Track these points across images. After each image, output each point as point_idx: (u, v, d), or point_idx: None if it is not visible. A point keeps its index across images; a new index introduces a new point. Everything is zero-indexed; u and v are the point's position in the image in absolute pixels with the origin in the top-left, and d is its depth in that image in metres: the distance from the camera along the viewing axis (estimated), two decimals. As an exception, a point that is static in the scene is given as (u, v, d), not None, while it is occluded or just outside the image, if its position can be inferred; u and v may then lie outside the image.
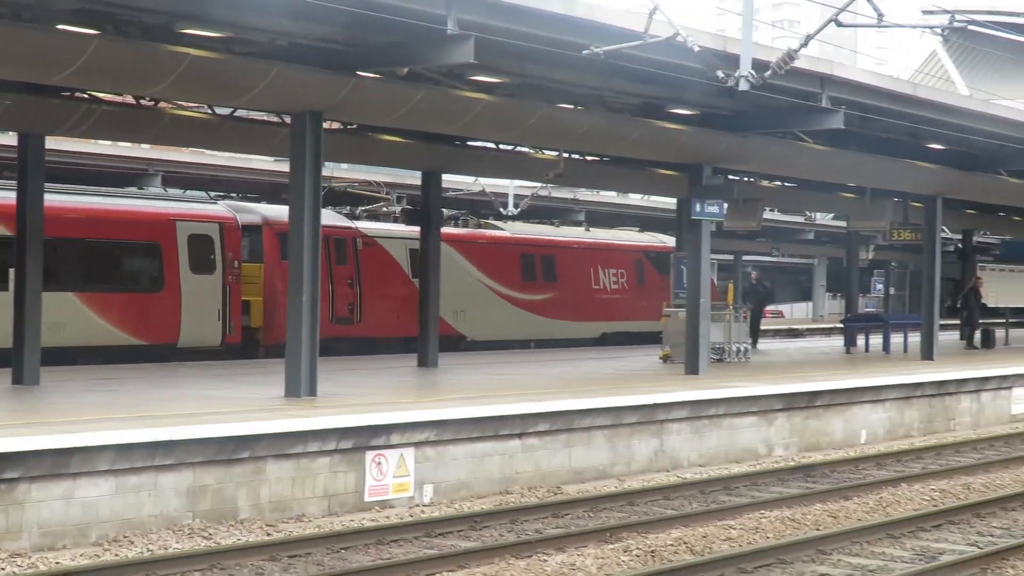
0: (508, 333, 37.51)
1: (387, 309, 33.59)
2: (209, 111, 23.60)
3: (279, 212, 31.79)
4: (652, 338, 37.86)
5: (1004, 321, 42.89)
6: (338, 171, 41.51)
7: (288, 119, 21.55)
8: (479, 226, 39.28)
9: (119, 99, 22.75)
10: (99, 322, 28.10)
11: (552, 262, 39.76)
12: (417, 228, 32.91)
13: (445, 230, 34.26)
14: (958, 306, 41.84)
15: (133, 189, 33.21)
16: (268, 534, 15.64)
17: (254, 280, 31.62)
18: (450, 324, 35.54)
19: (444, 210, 36.04)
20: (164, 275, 29.53)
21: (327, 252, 32.19)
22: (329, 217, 32.58)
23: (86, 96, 21.58)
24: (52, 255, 25.57)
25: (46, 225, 22.77)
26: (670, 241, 42.35)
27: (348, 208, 36.17)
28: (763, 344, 39.64)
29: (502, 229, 39.72)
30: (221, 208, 31.74)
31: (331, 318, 32.08)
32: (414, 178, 35.23)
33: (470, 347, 36.02)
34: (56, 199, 26.67)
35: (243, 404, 18.83)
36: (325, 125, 21.09)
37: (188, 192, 36.30)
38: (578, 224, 44.97)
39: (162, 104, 22.59)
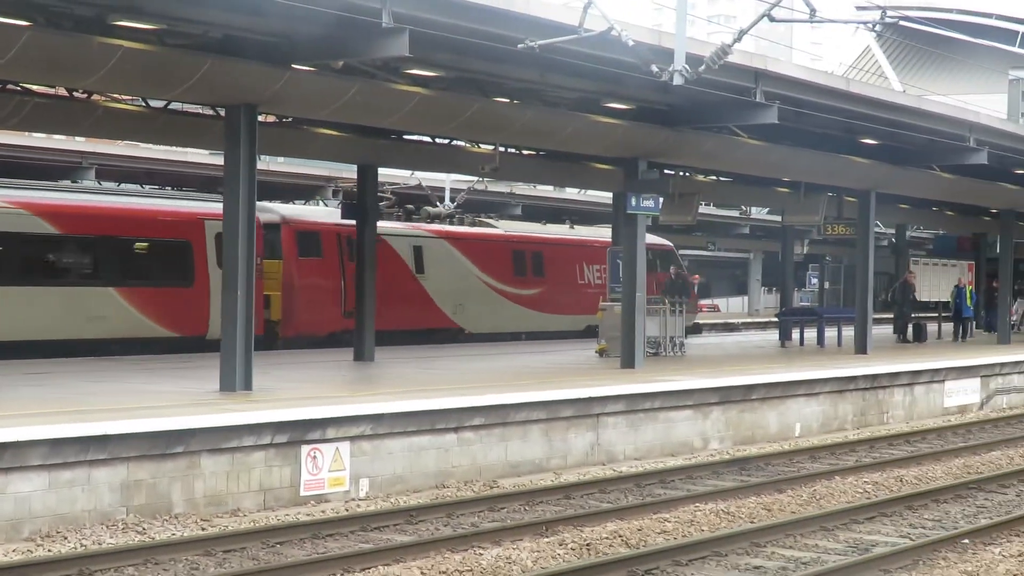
0: (502, 326, 38.64)
1: (393, 303, 34.46)
2: (143, 104, 23.45)
3: (296, 211, 34.81)
4: None
5: (937, 315, 43.22)
6: (274, 164, 41.44)
7: (223, 112, 21.43)
8: (474, 224, 40.58)
9: (52, 91, 22.59)
10: (137, 315, 29.31)
11: (540, 258, 41.02)
12: (422, 225, 36.61)
13: (447, 228, 37.80)
14: (889, 300, 42.18)
15: (167, 190, 34.86)
16: (203, 529, 15.56)
17: (273, 276, 32.69)
18: (450, 318, 37.21)
19: (442, 208, 39.68)
20: (194, 271, 30.69)
21: (339, 248, 33.76)
22: (337, 215, 33.48)
23: (18, 88, 21.39)
24: (94, 252, 28.53)
25: (90, 224, 26.65)
26: (651, 238, 42.67)
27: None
28: (698, 339, 39.78)
29: (495, 227, 40.97)
30: None
31: (343, 312, 33.02)
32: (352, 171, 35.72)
33: (467, 340, 37.07)
34: (97, 200, 29.59)
35: (178, 398, 18.72)
36: (260, 118, 21.01)
37: (213, 194, 37.16)
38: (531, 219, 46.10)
39: (96, 96, 22.42)
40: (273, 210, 34.02)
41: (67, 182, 35.18)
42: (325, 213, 36.20)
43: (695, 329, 44.82)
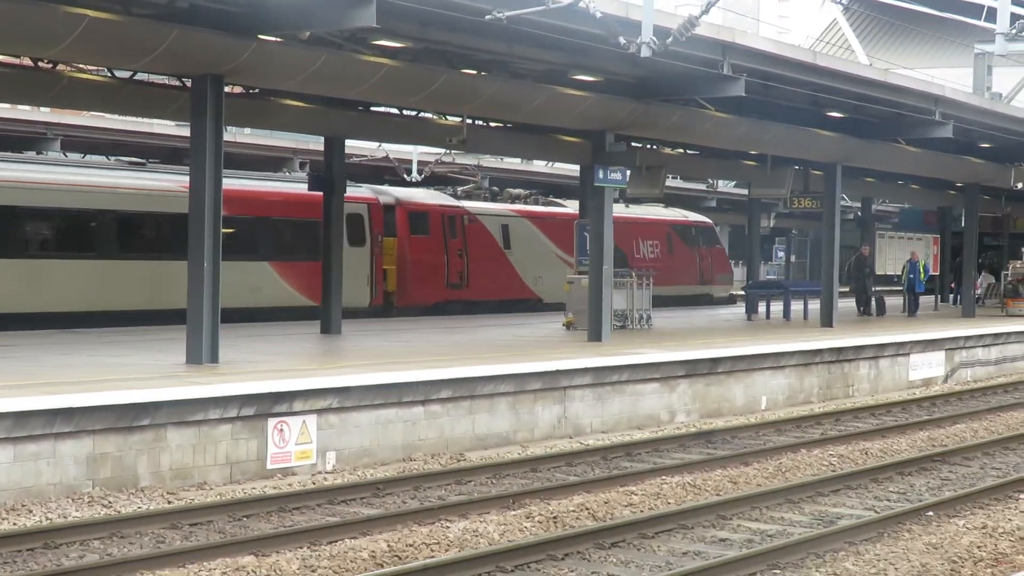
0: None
1: (487, 276, 39.13)
2: (109, 74, 23.29)
3: (409, 194, 38.66)
4: (683, 301, 45.93)
5: (901, 289, 43.36)
6: (240, 136, 41.29)
7: (189, 83, 21.31)
8: (548, 204, 44.22)
9: (16, 61, 22.40)
10: (284, 286, 33.48)
11: None
12: (508, 206, 40.69)
13: (527, 207, 42.36)
14: (846, 274, 42.34)
15: (303, 175, 38.24)
16: (169, 502, 15.54)
17: (389, 252, 36.67)
18: (531, 289, 41.31)
19: (521, 190, 43.34)
20: None
21: (443, 227, 38.05)
22: (440, 198, 39.26)
23: (-19, 58, 21.22)
24: (252, 231, 32.82)
25: (250, 206, 31.79)
26: (692, 215, 50.73)
27: (451, 189, 41.84)
28: (665, 312, 39.83)
29: (565, 206, 44.13)
30: (366, 191, 36.82)
31: (446, 284, 37.91)
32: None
33: (545, 308, 39.98)
34: (253, 184, 33.74)
35: (144, 371, 18.65)
36: (227, 89, 20.89)
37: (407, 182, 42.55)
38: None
39: (61, 67, 22.26)
40: (389, 193, 37.76)
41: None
42: (430, 195, 39.65)
43: (730, 300, 50.58)
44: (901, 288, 41.92)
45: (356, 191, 35.64)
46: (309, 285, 32.39)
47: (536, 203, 43.38)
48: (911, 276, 39.90)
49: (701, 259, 49.33)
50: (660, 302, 43.88)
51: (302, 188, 33.26)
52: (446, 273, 37.90)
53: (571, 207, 43.60)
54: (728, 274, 52.90)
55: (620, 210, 45.23)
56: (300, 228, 33.85)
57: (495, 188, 43.12)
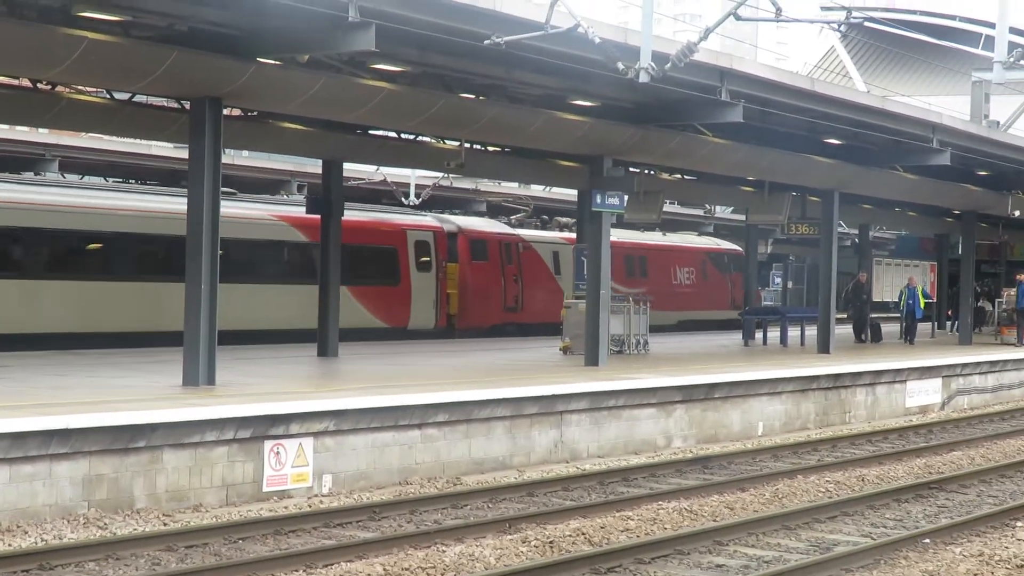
0: None
1: (539, 300, 40.73)
2: (108, 96, 23.32)
3: (469, 222, 40.95)
4: (715, 325, 48.18)
5: (899, 315, 43.34)
6: (239, 158, 41.35)
7: (187, 105, 21.33)
8: None
9: (15, 82, 22.43)
10: (362, 310, 35.28)
11: (645, 262, 47.39)
12: (558, 233, 42.87)
13: (574, 235, 41.98)
14: (843, 300, 42.29)
15: (377, 206, 40.76)
16: (165, 524, 15.50)
17: (452, 277, 38.92)
18: None
19: (568, 219, 44.58)
20: (400, 273, 37.04)
21: (500, 254, 40.37)
22: (497, 225, 41.73)
23: (-19, 79, 21.25)
24: None
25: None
26: (724, 243, 53.06)
27: (506, 218, 43.98)
28: (661, 337, 39.85)
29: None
30: (431, 219, 39.33)
31: (503, 307, 40.12)
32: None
33: None
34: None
35: (141, 393, 18.64)
36: (225, 112, 20.91)
37: (406, 207, 44.14)
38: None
39: (60, 88, 22.28)
40: (451, 221, 39.88)
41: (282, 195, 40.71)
42: (488, 223, 41.97)
43: (758, 324, 51.80)
44: (898, 315, 41.87)
45: (423, 219, 38.99)
46: (382, 308, 35.68)
47: None
48: (909, 302, 39.75)
49: (732, 285, 51.05)
50: (695, 325, 48.07)
51: (375, 216, 37.17)
52: (503, 297, 40.14)
53: (615, 236, 44.86)
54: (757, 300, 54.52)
55: (659, 238, 50.07)
56: (374, 254, 36.17)
57: (545, 216, 45.54)
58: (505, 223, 42.83)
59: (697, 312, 48.86)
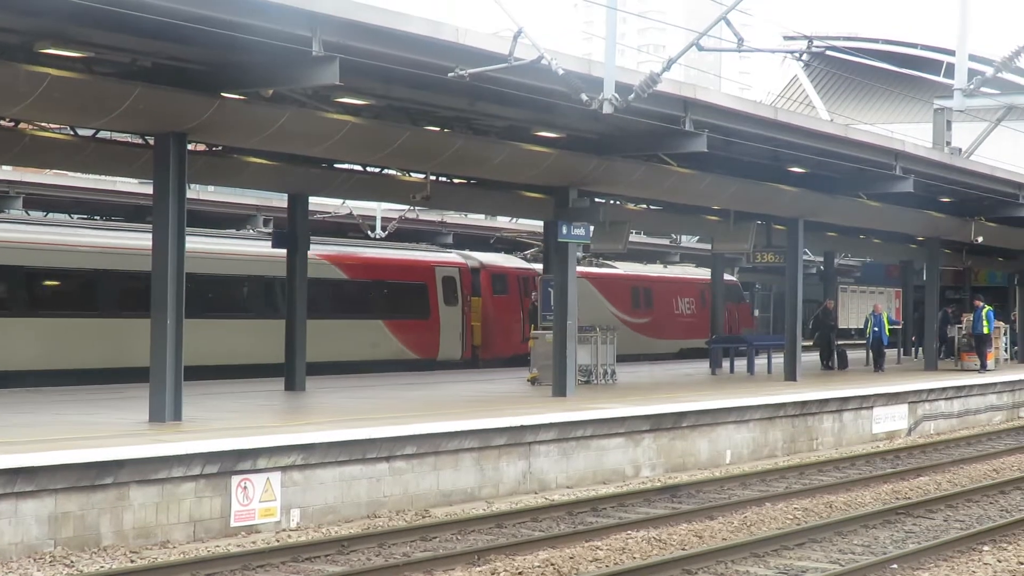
0: (625, 349, 42.70)
1: None
2: (71, 132, 23.28)
3: (490, 258, 43.42)
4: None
5: (865, 341, 43.46)
6: (204, 193, 41.30)
7: (152, 140, 21.30)
8: (600, 265, 48.86)
9: (-23, 120, 22.38)
10: (395, 342, 37.93)
11: (650, 293, 50.12)
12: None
13: (586, 269, 45.82)
14: (811, 327, 42.36)
15: (405, 244, 42.76)
16: (132, 561, 15.42)
17: (475, 310, 41.33)
18: None
19: (579, 253, 44.33)
20: (430, 307, 39.34)
21: (519, 287, 42.62)
22: (515, 261, 44.22)
23: (-57, 117, 21.19)
24: (369, 293, 37.40)
25: (366, 270, 37.28)
26: (727, 276, 53.46)
27: (520, 252, 46.64)
28: (629, 367, 39.91)
29: (615, 267, 49.63)
30: (456, 256, 41.78)
31: (523, 338, 40.19)
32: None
33: None
34: (365, 251, 38.31)
35: (107, 429, 18.56)
36: (190, 147, 20.90)
37: (431, 244, 45.81)
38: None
39: (22, 124, 22.24)
40: (474, 257, 42.31)
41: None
42: (506, 259, 44.22)
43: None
44: (864, 342, 41.96)
45: (448, 256, 41.33)
46: (413, 340, 38.00)
47: (590, 264, 47.38)
48: (875, 329, 39.76)
49: (729, 314, 51.73)
50: (696, 353, 48.96)
51: (406, 254, 39.24)
52: (523, 328, 41.15)
53: (621, 268, 49.68)
54: (752, 328, 57.70)
55: (660, 270, 53.25)
56: (406, 290, 38.43)
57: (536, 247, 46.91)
58: (522, 258, 45.10)
59: (698, 340, 49.58)
